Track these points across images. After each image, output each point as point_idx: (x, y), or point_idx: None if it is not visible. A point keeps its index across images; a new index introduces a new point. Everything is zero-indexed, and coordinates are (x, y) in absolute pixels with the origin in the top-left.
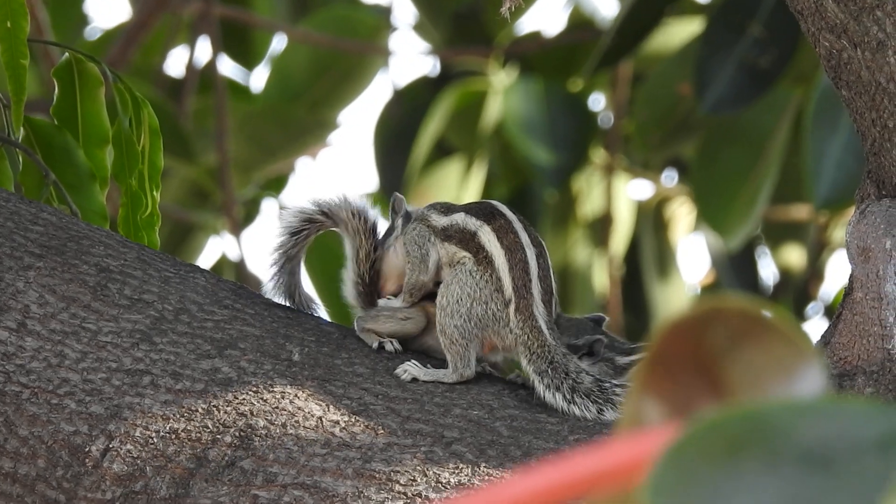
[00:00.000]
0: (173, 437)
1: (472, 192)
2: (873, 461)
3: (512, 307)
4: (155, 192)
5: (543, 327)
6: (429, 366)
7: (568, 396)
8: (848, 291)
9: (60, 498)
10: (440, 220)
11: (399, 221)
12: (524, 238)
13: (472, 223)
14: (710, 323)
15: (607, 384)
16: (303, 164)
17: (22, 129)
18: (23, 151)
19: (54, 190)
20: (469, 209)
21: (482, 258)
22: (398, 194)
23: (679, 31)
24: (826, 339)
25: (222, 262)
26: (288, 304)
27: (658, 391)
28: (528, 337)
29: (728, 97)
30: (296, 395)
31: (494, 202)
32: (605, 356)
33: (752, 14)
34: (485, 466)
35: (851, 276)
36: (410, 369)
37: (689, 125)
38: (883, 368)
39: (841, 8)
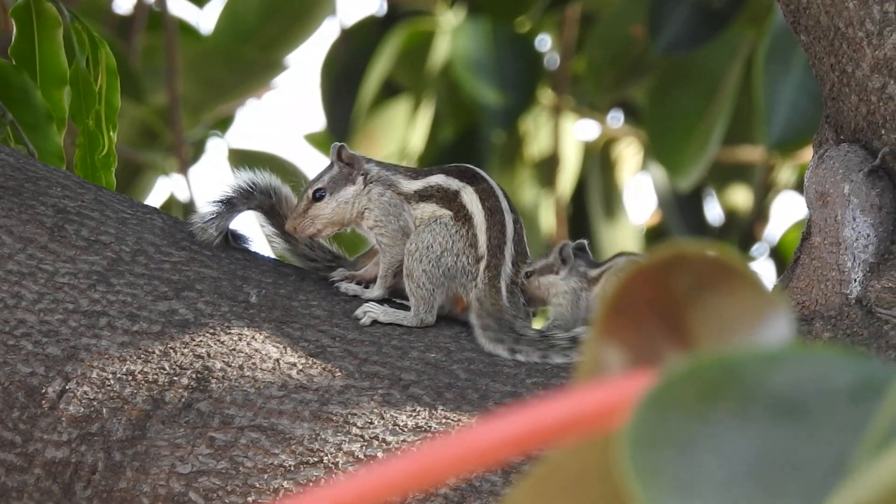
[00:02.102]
0: (130, 378)
1: (419, 132)
2: (846, 410)
3: (483, 264)
4: (112, 133)
5: (503, 289)
6: (387, 307)
7: (510, 346)
8: (805, 236)
9: (16, 439)
10: (412, 184)
11: (359, 179)
12: (504, 204)
13: (454, 183)
14: (674, 269)
15: (549, 333)
16: (250, 105)
17: None
18: None
19: (11, 130)
20: (448, 171)
21: (462, 216)
22: (343, 144)
23: None
24: (784, 283)
25: (171, 203)
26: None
27: (619, 338)
28: (484, 294)
29: (681, 38)
30: (253, 338)
31: (472, 167)
32: (580, 270)
33: None
34: (442, 409)
35: (809, 220)
36: (371, 311)
37: (641, 66)
38: (841, 313)
39: None
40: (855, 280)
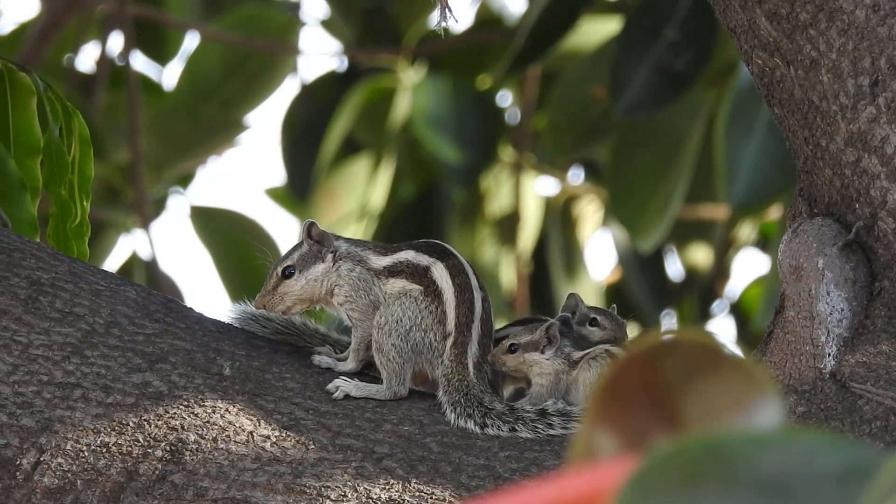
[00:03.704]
0: (104, 450)
1: (379, 189)
2: (833, 492)
3: (450, 341)
4: (85, 202)
5: (470, 365)
6: (357, 380)
7: (479, 420)
8: (779, 309)
9: None
10: (381, 261)
11: (328, 256)
12: (473, 281)
13: (424, 259)
14: (665, 355)
15: (517, 406)
16: (211, 162)
17: None
18: None
19: None
20: (418, 247)
21: (431, 291)
22: (314, 221)
23: (592, 32)
24: (757, 357)
25: (133, 260)
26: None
27: (611, 423)
28: (451, 371)
29: (643, 99)
30: (227, 410)
31: (441, 242)
32: (564, 350)
33: (667, 17)
34: (415, 482)
35: (783, 294)
36: (342, 386)
37: (601, 127)
38: (815, 388)
39: (774, 26)
40: (829, 354)
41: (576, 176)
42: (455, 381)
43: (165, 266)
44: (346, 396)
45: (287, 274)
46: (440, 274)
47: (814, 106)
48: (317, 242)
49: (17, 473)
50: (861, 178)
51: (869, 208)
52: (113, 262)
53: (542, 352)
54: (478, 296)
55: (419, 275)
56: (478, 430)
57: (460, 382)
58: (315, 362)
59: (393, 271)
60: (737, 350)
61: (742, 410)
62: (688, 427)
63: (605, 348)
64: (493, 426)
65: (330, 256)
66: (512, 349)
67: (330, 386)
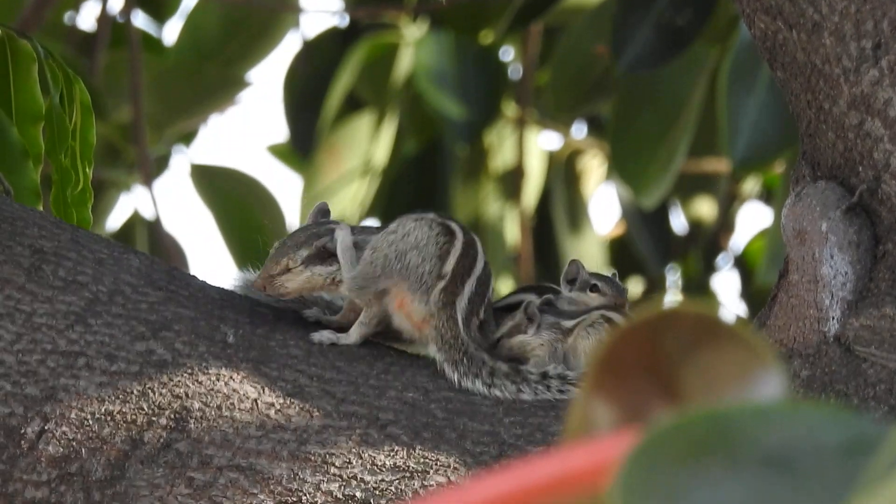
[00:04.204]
0: (108, 419)
1: (382, 145)
2: (837, 465)
3: (441, 284)
4: (87, 169)
5: (459, 322)
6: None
7: (487, 381)
8: (783, 273)
9: None
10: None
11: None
12: (479, 247)
13: (440, 216)
14: (665, 327)
15: (522, 367)
16: (212, 120)
17: None
18: None
19: None
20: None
21: (445, 230)
22: (325, 203)
23: None
24: (761, 321)
25: (135, 220)
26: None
27: (609, 396)
28: (442, 324)
29: (645, 56)
30: (231, 378)
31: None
32: (549, 321)
33: None
34: (420, 449)
35: (787, 258)
36: (319, 336)
37: (604, 85)
38: (819, 351)
39: None
40: (833, 318)
41: (579, 131)
42: (449, 338)
43: (168, 225)
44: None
45: (291, 267)
46: (455, 225)
47: (816, 69)
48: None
49: (22, 442)
50: (864, 141)
51: (872, 171)
52: (115, 222)
53: (525, 332)
54: (481, 259)
55: (438, 221)
56: (485, 389)
57: (454, 339)
58: (315, 340)
59: None
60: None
61: (744, 383)
62: (688, 400)
63: (601, 314)
64: (499, 386)
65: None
66: (497, 341)
67: (314, 335)
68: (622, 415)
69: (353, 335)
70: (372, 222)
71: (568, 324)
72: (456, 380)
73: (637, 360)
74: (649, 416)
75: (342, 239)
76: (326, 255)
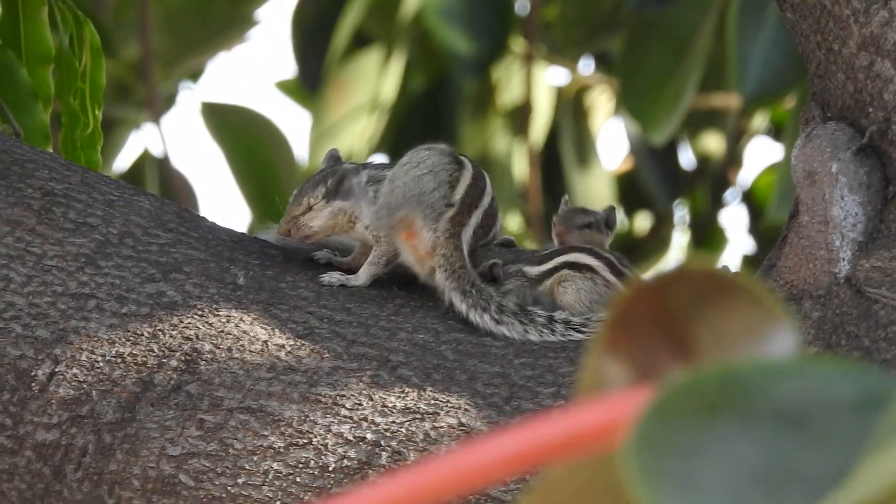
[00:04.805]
0: (119, 361)
1: (390, 81)
2: (849, 421)
3: (450, 212)
4: (97, 112)
5: (465, 250)
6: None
7: (496, 317)
8: (793, 214)
9: (7, 422)
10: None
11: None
12: (488, 181)
13: (452, 149)
14: (675, 284)
15: (530, 308)
16: (220, 57)
17: None
18: None
19: None
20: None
21: (455, 159)
22: (336, 150)
23: None
24: (772, 262)
25: (144, 157)
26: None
27: (621, 353)
28: (450, 252)
29: None
30: (241, 319)
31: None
32: (514, 271)
33: None
34: (430, 390)
35: (797, 199)
36: (329, 277)
37: (613, 20)
38: (830, 293)
39: None
40: (843, 259)
41: (586, 66)
42: (458, 268)
43: (177, 163)
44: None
45: (312, 205)
46: (464, 160)
47: (826, 10)
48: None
49: (33, 384)
50: (874, 82)
51: (882, 112)
52: (125, 160)
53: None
54: (489, 191)
55: (449, 152)
56: (492, 325)
57: (462, 270)
58: (325, 282)
59: None
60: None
61: (755, 339)
62: (701, 357)
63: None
64: (507, 324)
65: (354, 188)
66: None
67: (323, 277)
68: (635, 372)
69: (363, 276)
70: (380, 158)
71: (533, 271)
72: (465, 310)
73: (648, 318)
74: (662, 374)
75: (360, 176)
76: (345, 191)
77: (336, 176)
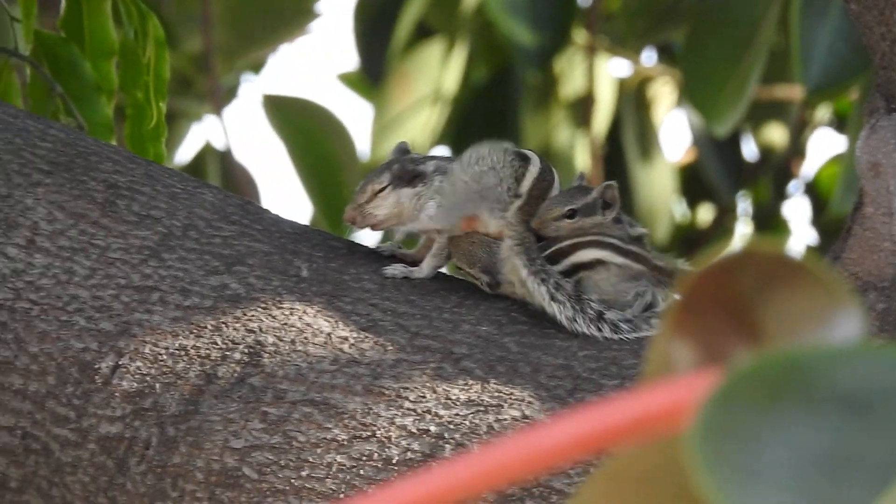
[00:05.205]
0: (182, 353)
1: (453, 73)
2: None
3: (517, 203)
4: (161, 104)
5: (532, 238)
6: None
7: (552, 291)
8: (858, 206)
9: (70, 415)
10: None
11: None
12: (556, 176)
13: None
14: (741, 267)
15: (585, 296)
16: (282, 48)
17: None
18: (30, 64)
19: (61, 102)
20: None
21: (520, 155)
22: (406, 142)
23: None
24: (836, 254)
25: (206, 150)
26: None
27: (688, 336)
28: (521, 229)
29: None
30: (304, 312)
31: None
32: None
33: None
34: (494, 382)
35: (861, 190)
36: (392, 269)
37: (675, 11)
38: (894, 284)
39: None
40: None
41: (649, 58)
42: (527, 240)
43: (239, 155)
44: (382, 279)
45: (378, 192)
46: (531, 153)
47: (890, 2)
48: (409, 163)
49: (96, 377)
50: None
51: None
52: (186, 154)
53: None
54: (557, 186)
55: (511, 149)
56: (546, 298)
57: (531, 243)
58: (388, 274)
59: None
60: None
61: (822, 323)
62: (767, 340)
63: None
64: (560, 304)
65: (419, 178)
66: (570, 214)
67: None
68: (701, 355)
69: (426, 268)
70: (443, 150)
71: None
72: (525, 275)
73: (715, 301)
74: (728, 357)
75: (426, 166)
76: (409, 180)
77: (401, 164)
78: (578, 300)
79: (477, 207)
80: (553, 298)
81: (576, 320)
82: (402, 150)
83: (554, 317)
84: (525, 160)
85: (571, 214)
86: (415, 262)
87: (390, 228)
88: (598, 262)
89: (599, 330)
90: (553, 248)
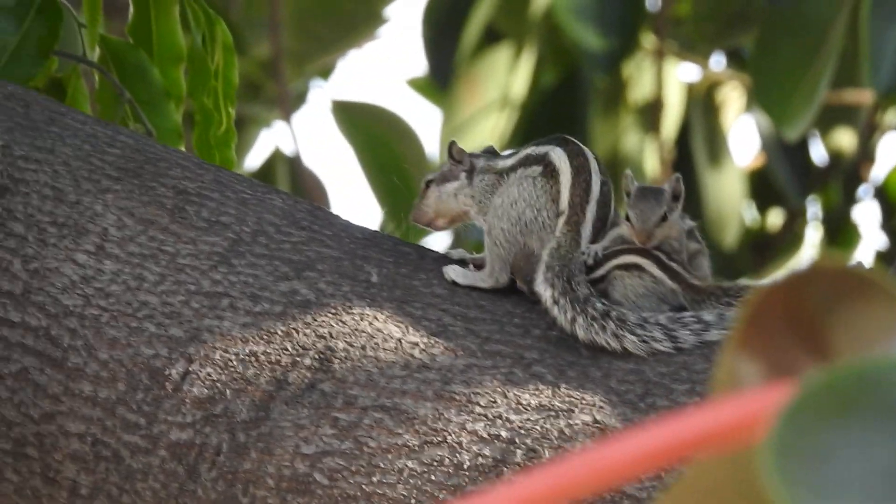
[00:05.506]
0: (253, 359)
1: (521, 77)
2: None
3: (562, 219)
4: (230, 109)
5: (582, 245)
6: (467, 270)
7: (555, 296)
8: None
9: (141, 421)
10: (507, 161)
11: (462, 174)
12: (593, 165)
13: (543, 148)
14: (809, 282)
15: (597, 301)
16: (351, 54)
17: (97, 48)
18: (98, 71)
19: (129, 109)
20: (539, 141)
21: (549, 171)
22: (454, 141)
23: None
24: None
25: (276, 156)
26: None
27: (756, 351)
28: (564, 240)
29: None
30: (375, 317)
31: (564, 135)
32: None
33: None
34: (565, 387)
35: None
36: (452, 273)
37: (744, 15)
38: None
39: None
40: None
41: (718, 63)
42: (564, 251)
43: (308, 161)
44: (453, 282)
45: (427, 187)
46: (558, 157)
47: None
48: (456, 161)
49: (167, 384)
50: None
51: None
52: (256, 158)
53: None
54: (596, 178)
55: (539, 159)
56: (549, 302)
57: (567, 253)
58: (448, 278)
59: (517, 166)
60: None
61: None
62: (835, 355)
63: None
64: (561, 309)
65: (463, 174)
66: (665, 217)
67: (445, 269)
68: (770, 370)
69: (487, 276)
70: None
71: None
72: (539, 281)
73: (783, 316)
74: (798, 372)
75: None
76: (447, 176)
77: (448, 164)
78: (593, 307)
79: (527, 242)
80: (555, 302)
81: (591, 336)
82: (489, 151)
83: (555, 320)
84: (555, 174)
85: (665, 217)
86: (482, 267)
87: (454, 227)
88: (636, 267)
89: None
90: (604, 252)
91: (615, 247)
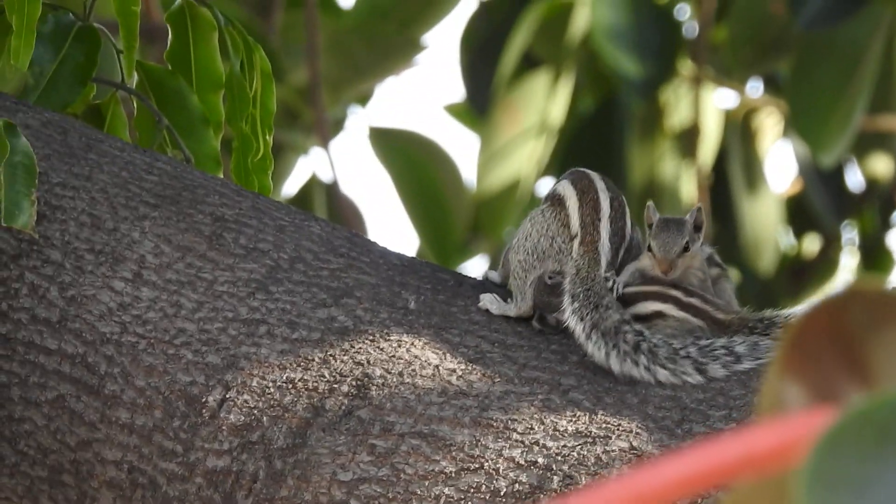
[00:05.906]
0: (290, 386)
1: (559, 103)
2: None
3: (577, 241)
4: (268, 136)
5: (602, 262)
6: (500, 300)
7: (587, 331)
8: None
9: (178, 448)
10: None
11: None
12: (599, 184)
13: (554, 185)
14: (849, 305)
15: (628, 329)
16: (388, 81)
17: (135, 74)
18: (136, 97)
19: (168, 135)
20: (560, 178)
21: (556, 200)
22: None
23: None
24: None
25: (313, 182)
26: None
27: (799, 375)
28: (583, 262)
29: (823, 14)
30: (412, 344)
31: (579, 169)
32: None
33: None
34: (602, 414)
35: None
36: (486, 301)
37: (781, 42)
38: None
39: None
40: None
41: (755, 89)
42: (584, 273)
43: (346, 187)
44: (487, 311)
45: None
46: (563, 187)
47: None
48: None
49: (204, 411)
50: None
51: None
52: (293, 186)
53: (691, 241)
54: (604, 196)
55: (551, 195)
56: (580, 333)
57: (588, 274)
58: (482, 306)
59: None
60: None
61: None
62: (878, 380)
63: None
64: (594, 342)
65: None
66: (686, 247)
67: (482, 296)
68: (812, 394)
69: (513, 307)
70: (549, 181)
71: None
72: (567, 312)
73: (825, 340)
74: (840, 395)
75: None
76: None
77: None
78: (618, 332)
79: (545, 266)
80: (588, 336)
81: (605, 352)
82: None
83: (588, 353)
84: (561, 201)
85: (687, 247)
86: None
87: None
88: (658, 315)
89: (636, 364)
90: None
91: (633, 285)
